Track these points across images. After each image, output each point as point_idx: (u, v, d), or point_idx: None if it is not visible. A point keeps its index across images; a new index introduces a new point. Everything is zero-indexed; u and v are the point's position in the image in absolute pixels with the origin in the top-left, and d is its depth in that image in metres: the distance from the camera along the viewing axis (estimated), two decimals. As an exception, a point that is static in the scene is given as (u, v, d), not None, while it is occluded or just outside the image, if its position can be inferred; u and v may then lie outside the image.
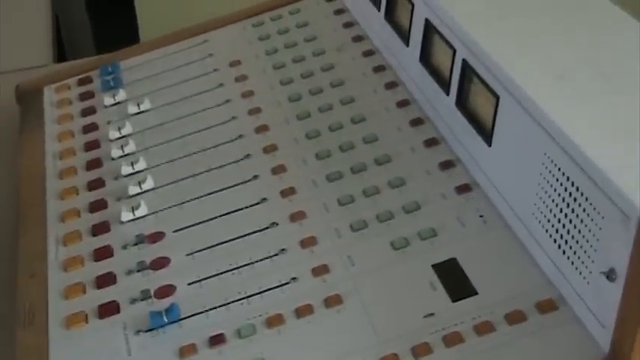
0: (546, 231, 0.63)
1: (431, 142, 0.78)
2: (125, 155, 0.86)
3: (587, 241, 0.58)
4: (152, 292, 0.70)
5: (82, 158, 0.87)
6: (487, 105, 0.70)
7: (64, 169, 0.86)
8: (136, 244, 0.75)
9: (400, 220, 0.71)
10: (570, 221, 0.60)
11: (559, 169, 0.61)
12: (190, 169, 0.82)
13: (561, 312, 0.61)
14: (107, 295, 0.71)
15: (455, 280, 0.65)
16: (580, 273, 0.59)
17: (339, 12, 1.00)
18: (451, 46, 0.75)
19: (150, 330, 0.67)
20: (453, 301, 0.64)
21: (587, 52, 0.67)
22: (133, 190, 0.80)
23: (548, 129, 0.61)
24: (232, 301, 0.67)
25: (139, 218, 0.77)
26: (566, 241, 0.61)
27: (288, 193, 0.77)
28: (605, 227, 0.56)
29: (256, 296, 0.67)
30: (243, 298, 0.68)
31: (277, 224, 0.74)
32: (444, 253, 0.67)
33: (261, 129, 0.85)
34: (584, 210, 0.58)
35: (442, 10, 0.77)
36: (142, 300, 0.69)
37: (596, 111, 0.61)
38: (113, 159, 0.86)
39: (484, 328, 0.61)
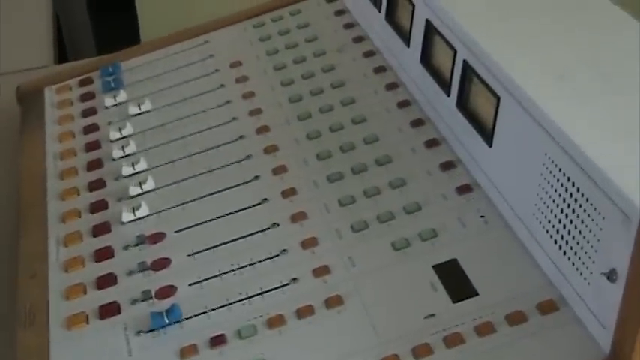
0: (547, 231, 0.63)
1: (432, 143, 0.78)
2: (126, 156, 0.86)
3: (588, 242, 0.58)
4: (153, 293, 0.70)
5: (83, 159, 0.87)
6: (488, 106, 0.70)
7: (65, 170, 0.86)
8: (136, 245, 0.75)
9: (401, 220, 0.71)
10: (571, 222, 0.60)
11: (559, 170, 0.61)
12: (191, 169, 0.82)
13: (562, 312, 0.61)
14: (108, 295, 0.71)
15: (456, 281, 0.65)
16: (581, 273, 0.59)
17: (340, 13, 1.00)
18: (452, 47, 0.75)
19: (151, 330, 0.67)
20: (454, 301, 0.64)
21: (587, 52, 0.67)
22: (134, 190, 0.80)
23: (549, 129, 0.61)
24: (233, 302, 0.67)
25: (139, 219, 0.77)
26: (566, 242, 0.61)
27: (289, 193, 0.77)
28: (606, 228, 0.56)
29: (257, 297, 0.67)
30: (244, 299, 0.68)
31: (278, 225, 0.74)
32: (445, 254, 0.67)
33: (262, 130, 0.85)
34: (584, 210, 0.58)
35: (443, 11, 0.77)
36: (143, 300, 0.69)
37: (596, 111, 0.61)
38: (114, 160, 0.86)
39: (485, 329, 0.61)
